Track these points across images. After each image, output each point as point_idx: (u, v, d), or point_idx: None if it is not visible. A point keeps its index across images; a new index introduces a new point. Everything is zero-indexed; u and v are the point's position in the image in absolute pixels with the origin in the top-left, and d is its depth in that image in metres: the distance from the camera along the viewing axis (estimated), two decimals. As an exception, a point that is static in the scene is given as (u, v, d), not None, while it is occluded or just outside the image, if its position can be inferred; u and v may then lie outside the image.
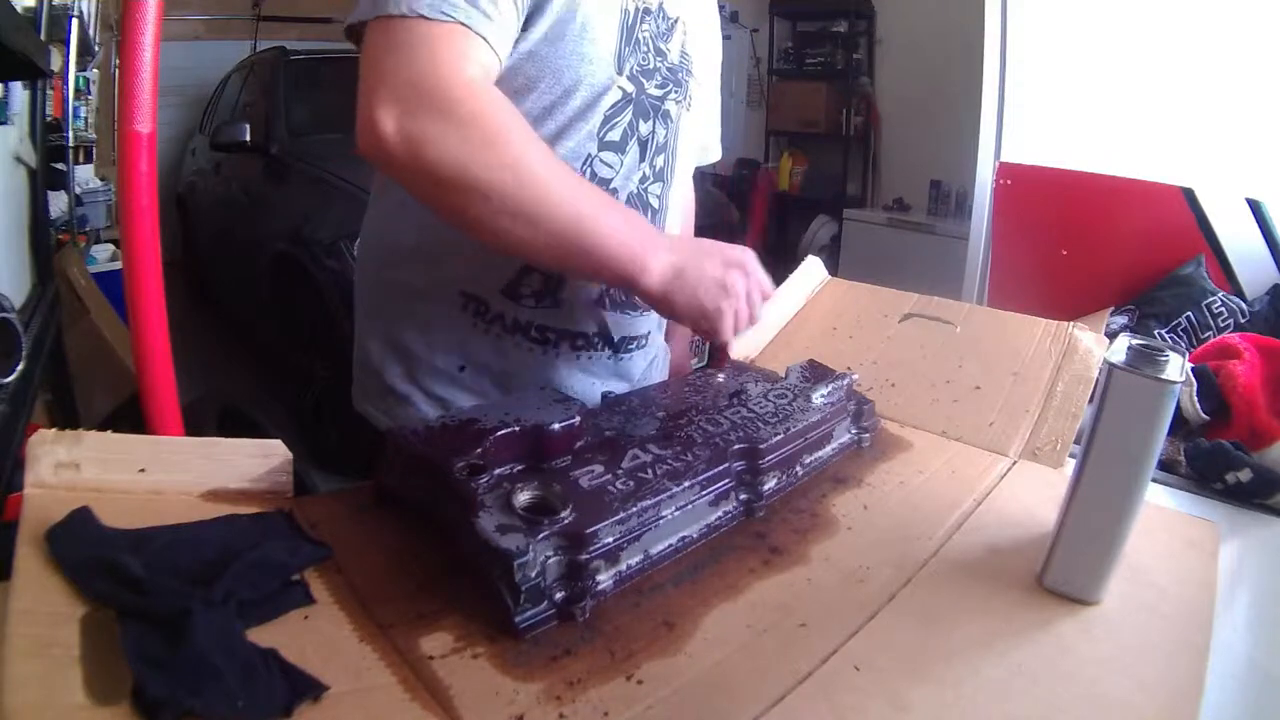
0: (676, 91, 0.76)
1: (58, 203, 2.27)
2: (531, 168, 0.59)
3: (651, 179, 0.76)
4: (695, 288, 0.63)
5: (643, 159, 0.74)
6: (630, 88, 0.71)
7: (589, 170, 0.72)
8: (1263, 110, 1.42)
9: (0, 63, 1.17)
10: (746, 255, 0.66)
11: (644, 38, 0.72)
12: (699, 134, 0.87)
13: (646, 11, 0.72)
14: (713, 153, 0.95)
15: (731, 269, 0.64)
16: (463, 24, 0.58)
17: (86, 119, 3.33)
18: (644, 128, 0.73)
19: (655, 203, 0.77)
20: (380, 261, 0.78)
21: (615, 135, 0.72)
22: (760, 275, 0.66)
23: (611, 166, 0.72)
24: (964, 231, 1.94)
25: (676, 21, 0.76)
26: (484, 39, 0.60)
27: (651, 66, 0.73)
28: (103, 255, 2.66)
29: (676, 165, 0.79)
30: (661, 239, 0.65)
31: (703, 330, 0.65)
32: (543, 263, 0.67)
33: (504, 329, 0.74)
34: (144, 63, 0.87)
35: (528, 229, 0.59)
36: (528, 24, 0.66)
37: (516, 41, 0.66)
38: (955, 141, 2.66)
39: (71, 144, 2.31)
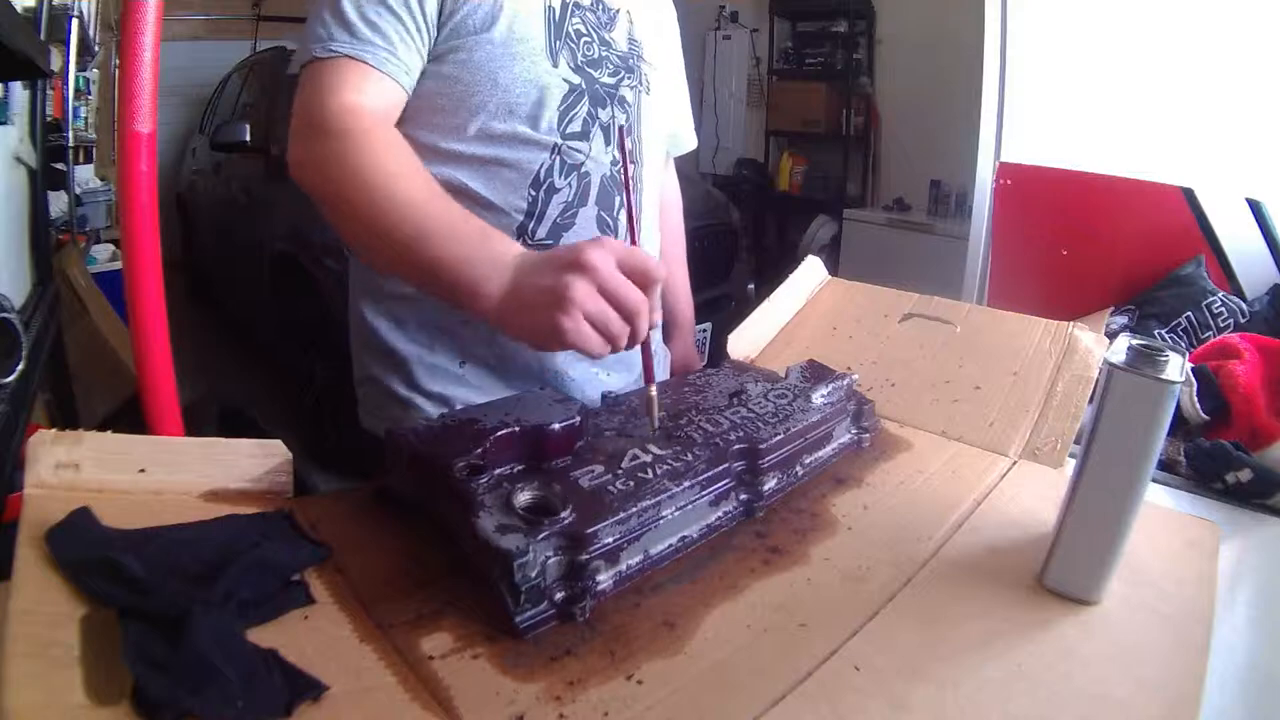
0: (630, 77, 0.79)
1: (58, 203, 2.27)
2: (383, 184, 0.61)
3: (623, 161, 0.78)
4: (529, 306, 0.55)
5: (609, 143, 0.76)
6: (577, 79, 0.74)
7: (559, 158, 0.73)
8: (1263, 110, 1.41)
9: (0, 63, 1.17)
10: (589, 249, 0.53)
11: (578, 30, 0.75)
12: (667, 122, 0.89)
13: (576, 6, 0.75)
14: (686, 142, 0.97)
15: (565, 272, 0.53)
16: (347, 56, 0.65)
17: (86, 119, 3.33)
18: (604, 115, 0.76)
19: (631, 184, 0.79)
20: (370, 269, 0.78)
21: (576, 126, 0.74)
22: (611, 262, 0.53)
23: (580, 152, 0.75)
24: (964, 231, 1.94)
25: (619, 12, 0.79)
26: (371, 66, 0.65)
27: (597, 56, 0.76)
28: (103, 255, 2.66)
29: (645, 148, 0.82)
30: (508, 258, 0.58)
31: (579, 349, 0.55)
32: (406, 281, 0.68)
33: None
34: (144, 63, 0.87)
35: (379, 244, 0.62)
36: (452, 35, 0.69)
37: (447, 53, 0.69)
38: (955, 141, 2.67)
39: (71, 144, 2.31)
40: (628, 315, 0.54)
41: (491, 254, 0.59)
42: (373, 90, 0.66)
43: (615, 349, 0.55)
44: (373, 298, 0.78)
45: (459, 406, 0.75)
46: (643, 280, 0.55)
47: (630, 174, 0.79)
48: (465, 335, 0.75)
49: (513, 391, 0.74)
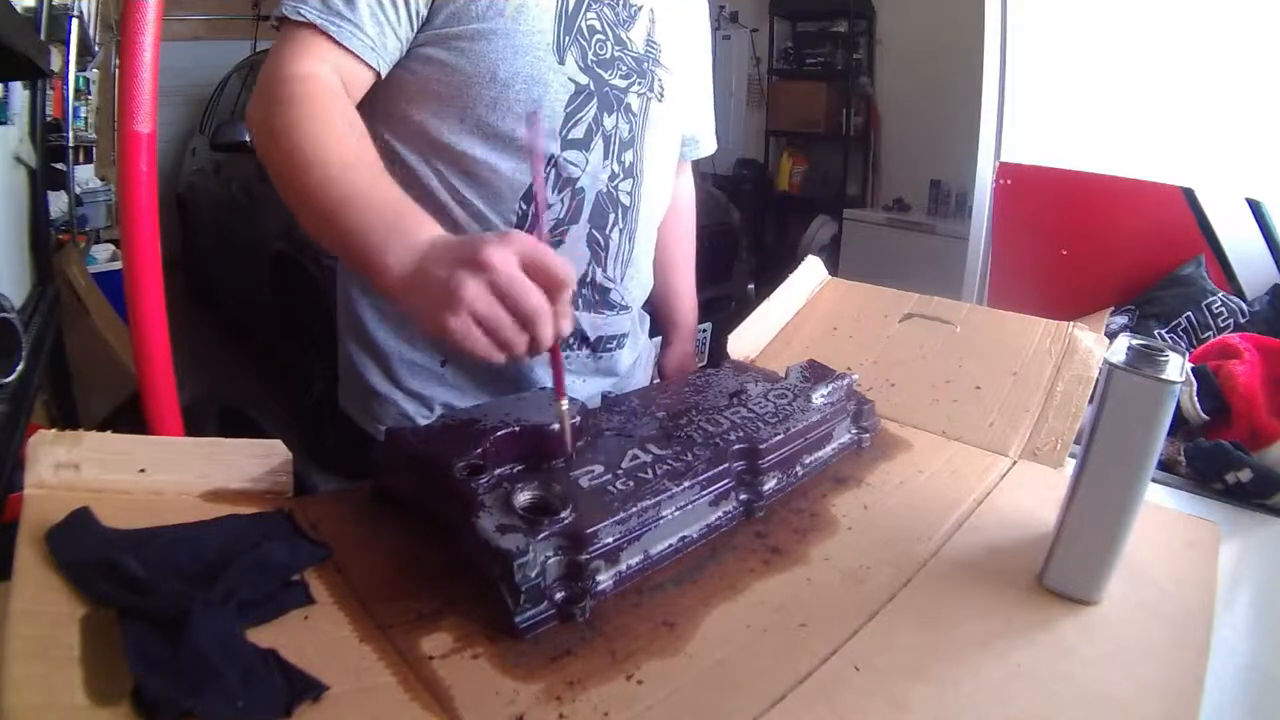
0: (641, 83, 0.74)
1: (58, 203, 2.27)
2: (312, 151, 0.60)
3: (621, 176, 0.74)
4: (421, 296, 0.51)
5: (608, 155, 0.72)
6: (584, 80, 0.70)
7: (554, 171, 0.70)
8: (1263, 110, 1.41)
9: (0, 63, 1.17)
10: (490, 246, 0.48)
11: (593, 26, 0.70)
12: (685, 126, 0.86)
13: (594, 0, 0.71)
14: (706, 145, 0.94)
15: (460, 267, 0.49)
16: (312, 24, 0.63)
17: (86, 119, 3.33)
18: (608, 122, 0.72)
19: (626, 200, 0.75)
20: None
21: (579, 132, 0.70)
22: (513, 262, 0.48)
23: (577, 165, 0.71)
24: (964, 231, 1.94)
25: (641, 9, 0.74)
26: (333, 40, 0.64)
27: (610, 56, 0.71)
28: (103, 255, 2.66)
29: (647, 162, 0.77)
30: (419, 239, 0.54)
31: (465, 351, 0.50)
32: (330, 251, 0.65)
33: None
34: (144, 63, 0.86)
35: (303, 210, 0.61)
36: (452, 20, 0.66)
37: (448, 39, 0.67)
38: (955, 141, 2.66)
39: (71, 144, 2.31)
40: (524, 321, 0.49)
41: (403, 231, 0.55)
42: (334, 62, 0.64)
43: (511, 355, 0.51)
44: (360, 284, 0.77)
45: (438, 405, 0.74)
46: (548, 284, 0.50)
47: (630, 191, 0.74)
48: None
49: (492, 396, 0.74)
